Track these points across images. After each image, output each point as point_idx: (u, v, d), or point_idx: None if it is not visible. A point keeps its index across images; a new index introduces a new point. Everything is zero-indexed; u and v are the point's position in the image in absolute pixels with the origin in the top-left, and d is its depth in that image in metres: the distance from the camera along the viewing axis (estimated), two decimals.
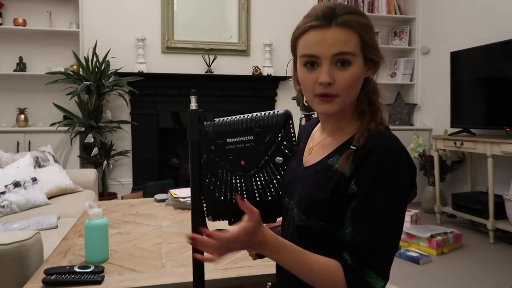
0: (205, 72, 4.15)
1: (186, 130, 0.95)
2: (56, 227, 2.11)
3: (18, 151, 3.43)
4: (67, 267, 1.18)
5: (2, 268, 1.40)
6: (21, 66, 3.74)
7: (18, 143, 3.52)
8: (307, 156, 0.94)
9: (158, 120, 4.14)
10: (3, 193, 2.38)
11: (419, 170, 4.08)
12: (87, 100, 3.67)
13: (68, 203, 2.60)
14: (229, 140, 0.92)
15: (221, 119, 0.93)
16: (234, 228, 0.76)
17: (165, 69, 4.09)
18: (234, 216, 0.97)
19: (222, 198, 0.94)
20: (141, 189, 3.89)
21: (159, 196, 2.13)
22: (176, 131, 4.29)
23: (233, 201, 0.94)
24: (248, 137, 0.92)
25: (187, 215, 1.84)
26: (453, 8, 4.06)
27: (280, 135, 0.93)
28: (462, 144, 3.40)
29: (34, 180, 2.56)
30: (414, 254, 2.79)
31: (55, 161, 2.99)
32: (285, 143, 0.93)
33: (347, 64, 0.80)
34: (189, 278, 0.89)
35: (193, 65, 4.18)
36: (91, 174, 3.17)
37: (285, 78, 4.32)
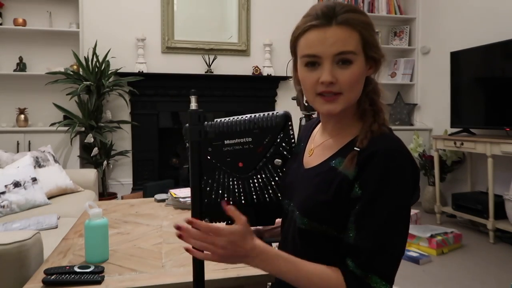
0: (205, 72, 4.15)
1: (182, 131, 0.94)
2: (56, 227, 2.11)
3: (18, 151, 3.43)
4: (67, 267, 1.18)
5: (2, 268, 1.40)
6: (21, 66, 3.74)
7: (18, 143, 3.52)
8: (307, 157, 0.92)
9: (158, 120, 4.14)
10: (3, 193, 2.38)
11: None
12: (87, 100, 3.67)
13: (68, 203, 2.60)
14: (226, 141, 0.91)
15: (218, 120, 0.91)
16: (220, 224, 0.76)
17: (165, 69, 4.09)
18: (231, 218, 0.96)
19: (219, 200, 0.93)
20: (141, 189, 3.89)
21: (159, 196, 2.13)
22: (176, 131, 4.29)
23: (230, 203, 0.93)
24: (247, 138, 0.90)
25: (187, 215, 1.84)
26: (453, 8, 4.06)
27: (279, 136, 0.91)
28: (462, 144, 3.40)
29: (34, 180, 2.56)
30: (414, 254, 2.79)
31: (55, 161, 2.99)
32: (284, 144, 0.92)
33: (349, 63, 0.79)
34: (189, 278, 0.89)
35: (193, 65, 4.18)
36: (91, 174, 3.17)
37: (285, 78, 4.32)
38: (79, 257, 1.31)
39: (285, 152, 0.93)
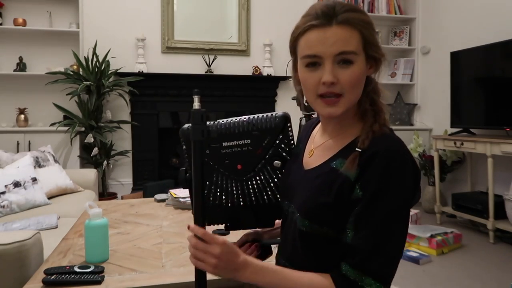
0: (205, 72, 4.15)
1: (179, 131, 0.94)
2: (56, 227, 2.11)
3: (18, 151, 3.43)
4: (67, 267, 1.18)
5: (2, 268, 1.40)
6: (21, 66, 3.74)
7: (18, 143, 3.52)
8: (307, 158, 0.91)
9: (158, 120, 4.14)
10: (3, 193, 2.38)
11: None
12: (87, 100, 3.67)
13: (68, 203, 2.60)
14: (225, 144, 0.90)
15: (216, 121, 0.90)
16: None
17: (165, 69, 4.09)
18: (229, 221, 0.96)
19: (217, 202, 0.92)
20: (141, 189, 3.89)
21: (159, 196, 2.13)
22: (176, 131, 4.27)
23: (229, 205, 0.93)
24: (245, 140, 0.89)
25: (187, 215, 1.84)
26: (453, 8, 4.06)
27: (278, 138, 0.90)
28: (462, 144, 3.40)
29: (34, 180, 2.56)
30: (414, 254, 2.79)
31: (55, 161, 2.99)
32: (283, 146, 0.91)
33: (350, 63, 0.78)
34: (189, 278, 0.89)
35: (193, 65, 4.18)
36: (91, 174, 3.17)
37: (285, 78, 4.32)
38: (79, 257, 1.31)
39: (284, 154, 0.92)
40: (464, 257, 2.85)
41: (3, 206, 2.34)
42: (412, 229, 3.01)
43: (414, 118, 4.64)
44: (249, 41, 4.33)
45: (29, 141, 3.54)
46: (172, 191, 2.04)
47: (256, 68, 4.28)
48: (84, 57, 3.67)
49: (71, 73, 3.65)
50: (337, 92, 0.79)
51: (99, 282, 1.12)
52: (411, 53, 4.69)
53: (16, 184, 2.45)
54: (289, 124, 0.91)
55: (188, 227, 0.79)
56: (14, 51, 3.76)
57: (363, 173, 0.76)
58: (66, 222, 2.13)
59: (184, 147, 0.94)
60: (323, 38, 0.78)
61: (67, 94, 3.66)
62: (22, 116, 3.68)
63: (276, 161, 0.91)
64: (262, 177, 0.92)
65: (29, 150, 3.42)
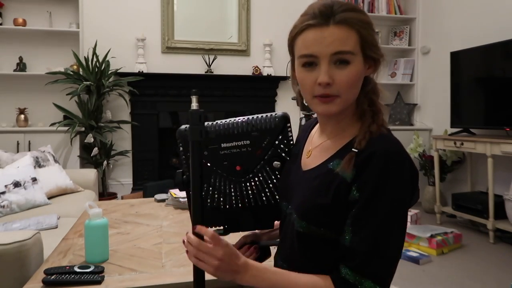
0: (205, 72, 4.15)
1: (176, 132, 0.93)
2: (56, 227, 2.11)
3: (18, 151, 3.43)
4: (67, 267, 1.18)
5: (2, 268, 1.40)
6: (21, 66, 3.74)
7: (18, 143, 3.52)
8: (305, 159, 0.90)
9: (158, 120, 4.14)
10: (3, 193, 2.38)
11: (419, 170, 4.08)
12: (87, 100, 3.67)
13: (68, 203, 2.60)
14: (223, 145, 0.89)
15: (214, 122, 0.89)
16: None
17: (165, 69, 4.09)
18: (228, 223, 0.95)
19: (215, 205, 0.91)
20: (141, 189, 3.89)
21: (159, 196, 2.13)
22: (176, 131, 4.29)
23: (227, 207, 0.92)
24: (244, 141, 0.88)
25: (187, 215, 1.83)
26: (453, 8, 4.06)
27: (278, 138, 0.89)
28: (462, 144, 3.40)
29: (34, 180, 2.56)
30: (414, 254, 2.79)
31: (55, 161, 2.99)
32: (282, 146, 0.90)
33: (346, 63, 0.77)
34: (189, 278, 0.89)
35: (193, 65, 4.18)
36: (91, 174, 3.17)
37: (285, 78, 4.32)
38: (79, 257, 1.31)
39: (283, 154, 0.91)
40: (464, 257, 2.85)
41: (3, 206, 2.34)
42: (412, 229, 3.01)
43: (414, 118, 4.64)
44: (249, 41, 4.33)
45: (29, 141, 3.55)
46: (172, 191, 2.04)
47: (256, 68, 4.28)
48: (84, 57, 3.67)
49: (71, 73, 3.65)
50: (333, 94, 0.79)
51: (99, 282, 1.12)
52: (411, 53, 4.69)
53: (16, 184, 2.45)
54: (288, 125, 0.90)
55: (194, 228, 0.80)
56: (14, 51, 3.76)
57: (360, 174, 0.75)
58: (66, 222, 2.13)
59: (181, 148, 0.93)
60: (320, 38, 0.77)
61: (67, 94, 3.66)
62: (22, 116, 3.68)
63: (275, 162, 0.90)
64: (261, 178, 0.91)
65: (29, 150, 3.42)
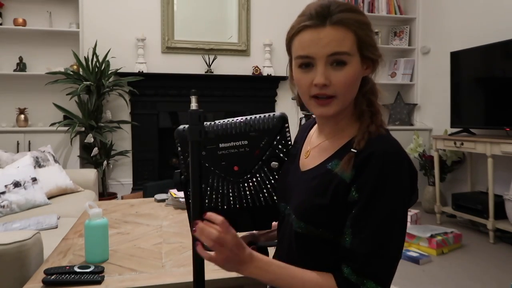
0: (205, 72, 4.15)
1: (174, 133, 0.92)
2: (56, 227, 2.11)
3: (18, 151, 3.43)
4: (67, 267, 1.18)
5: (2, 268, 1.40)
6: (21, 66, 3.74)
7: (18, 143, 3.52)
8: (304, 159, 0.90)
9: (158, 120, 4.14)
10: (3, 193, 2.38)
11: (419, 170, 4.08)
12: (87, 100, 3.68)
13: (68, 203, 2.60)
14: (221, 145, 0.88)
15: (212, 123, 0.89)
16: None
17: (165, 69, 4.09)
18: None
19: (212, 205, 0.91)
20: (141, 189, 3.89)
21: (159, 196, 2.13)
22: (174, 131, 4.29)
23: (225, 207, 0.92)
24: (242, 141, 0.88)
25: (187, 215, 1.84)
26: (453, 8, 4.06)
27: (276, 139, 0.89)
28: (462, 144, 3.40)
29: (34, 180, 2.56)
30: (414, 254, 2.79)
31: (55, 161, 2.99)
32: (280, 147, 0.90)
33: (343, 64, 0.77)
34: (189, 278, 0.89)
35: (193, 65, 4.18)
36: (91, 174, 3.17)
37: (285, 78, 4.32)
38: (79, 257, 1.31)
39: (281, 155, 0.91)
40: (464, 257, 2.85)
41: (3, 206, 2.34)
42: (412, 229, 3.01)
43: (414, 118, 4.64)
44: (249, 41, 4.33)
45: (29, 141, 3.55)
46: (172, 191, 2.04)
47: (256, 68, 4.28)
48: (84, 57, 3.68)
49: (71, 73, 3.65)
50: (329, 94, 0.78)
51: (99, 282, 1.12)
52: (411, 53, 4.69)
53: (16, 184, 2.45)
54: (286, 125, 0.90)
55: (204, 214, 0.77)
56: (14, 51, 3.76)
57: (359, 174, 0.75)
58: (66, 222, 2.13)
59: (179, 148, 0.93)
60: (316, 39, 0.77)
61: (67, 94, 3.66)
62: (22, 116, 3.68)
63: (273, 162, 0.90)
64: (259, 179, 0.91)
65: (29, 150, 3.42)
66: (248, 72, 4.30)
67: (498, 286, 2.42)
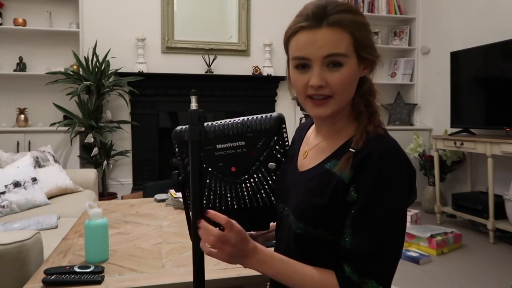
0: (205, 72, 4.15)
1: (171, 133, 0.92)
2: (56, 227, 2.11)
3: (18, 151, 3.43)
4: (67, 267, 1.18)
5: (2, 268, 1.40)
6: (21, 66, 3.74)
7: (18, 143, 3.52)
8: (301, 160, 0.90)
9: (158, 120, 4.14)
10: (3, 193, 2.38)
11: (419, 170, 4.08)
12: (87, 100, 3.68)
13: (68, 203, 2.60)
14: (219, 146, 0.88)
15: (210, 123, 0.89)
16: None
17: (165, 69, 4.09)
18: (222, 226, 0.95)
19: (210, 206, 0.91)
20: (141, 189, 3.89)
21: (159, 196, 2.13)
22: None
23: (223, 208, 0.92)
24: (240, 142, 0.88)
25: None
26: (453, 8, 4.06)
27: (273, 139, 0.89)
28: (462, 144, 3.40)
29: (34, 180, 2.56)
30: (414, 254, 2.79)
31: (55, 161, 2.99)
32: (277, 147, 0.90)
33: (339, 66, 0.77)
34: (189, 278, 0.89)
35: (193, 65, 4.18)
36: (91, 174, 3.17)
37: (285, 78, 4.19)
38: (79, 257, 1.31)
39: (279, 155, 0.90)
40: (464, 257, 2.86)
41: (3, 206, 2.34)
42: (412, 229, 3.01)
43: (414, 118, 4.64)
44: (249, 41, 4.33)
45: (29, 141, 3.55)
46: (172, 191, 2.04)
47: (256, 68, 4.28)
48: (84, 57, 3.68)
49: (71, 73, 3.65)
50: (326, 94, 0.78)
51: (99, 282, 1.12)
52: (411, 53, 4.69)
53: (16, 184, 2.45)
54: (283, 125, 0.90)
55: (206, 213, 0.78)
56: (14, 51, 3.76)
57: (358, 174, 0.75)
58: (66, 222, 2.13)
59: (176, 149, 0.93)
60: (312, 40, 0.77)
61: (67, 94, 3.66)
62: (22, 116, 3.68)
63: (270, 163, 0.90)
64: (257, 180, 0.91)
65: (29, 150, 3.42)
66: (248, 72, 4.30)
67: (498, 286, 2.42)
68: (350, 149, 0.78)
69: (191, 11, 4.20)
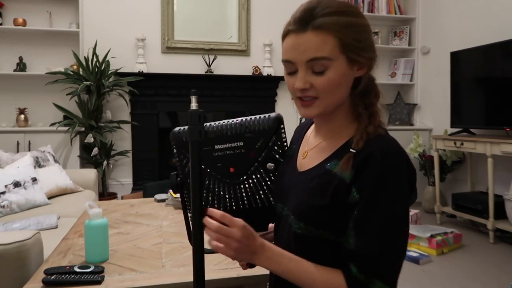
0: (205, 72, 4.15)
1: (170, 134, 0.92)
2: (56, 227, 2.11)
3: (18, 151, 3.43)
4: (67, 267, 1.18)
5: (2, 268, 1.40)
6: (21, 66, 3.74)
7: (18, 143, 3.52)
8: (301, 160, 0.89)
9: (158, 120, 4.14)
10: (3, 193, 2.38)
11: (419, 170, 4.08)
12: (87, 100, 3.68)
13: (68, 203, 2.60)
14: (217, 146, 0.88)
15: (208, 124, 0.89)
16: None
17: (165, 69, 4.09)
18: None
19: (208, 207, 0.91)
20: (141, 189, 3.89)
21: (159, 196, 2.13)
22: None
23: (221, 209, 0.92)
24: (238, 143, 0.88)
25: None
26: (453, 8, 4.06)
27: (271, 140, 0.89)
28: (462, 144, 3.40)
29: (34, 180, 2.56)
30: (414, 254, 2.79)
31: (55, 161, 2.99)
32: (276, 148, 0.90)
33: (324, 69, 0.77)
34: (189, 278, 0.89)
35: (193, 65, 4.18)
36: (91, 174, 3.18)
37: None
38: (79, 257, 1.31)
39: (277, 156, 0.90)
40: (464, 257, 2.86)
41: (3, 206, 2.34)
42: (412, 229, 3.01)
43: (414, 118, 4.64)
44: (249, 41, 4.33)
45: (29, 141, 3.55)
46: (172, 191, 2.04)
47: (256, 68, 4.28)
48: (84, 57, 3.68)
49: (71, 73, 3.65)
50: (312, 95, 0.79)
51: (99, 282, 1.12)
52: (411, 53, 4.69)
53: (16, 184, 2.45)
54: (282, 126, 0.90)
55: (206, 211, 0.79)
56: (14, 51, 3.76)
57: (359, 175, 0.75)
58: (66, 222, 2.14)
59: (175, 150, 0.93)
60: (296, 44, 0.78)
61: (67, 94, 3.66)
62: (22, 116, 3.68)
63: (269, 164, 0.90)
64: (255, 180, 0.90)
65: (29, 150, 3.42)
66: (248, 72, 4.30)
67: (498, 286, 2.42)
68: (351, 150, 0.77)
69: (191, 11, 4.20)
